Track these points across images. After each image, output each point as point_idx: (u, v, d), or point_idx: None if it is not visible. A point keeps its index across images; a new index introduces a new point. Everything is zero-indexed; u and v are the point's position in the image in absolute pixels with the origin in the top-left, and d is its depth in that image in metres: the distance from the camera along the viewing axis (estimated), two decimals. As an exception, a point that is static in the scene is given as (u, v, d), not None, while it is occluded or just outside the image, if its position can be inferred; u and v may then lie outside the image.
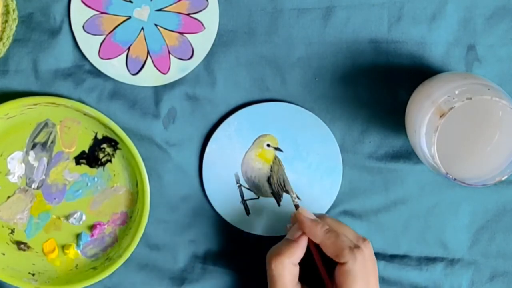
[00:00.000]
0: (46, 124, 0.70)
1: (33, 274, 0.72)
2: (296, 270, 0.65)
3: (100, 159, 0.71)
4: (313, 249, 0.66)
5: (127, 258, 0.71)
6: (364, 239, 0.66)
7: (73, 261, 0.72)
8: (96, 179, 0.71)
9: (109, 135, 0.70)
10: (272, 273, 0.64)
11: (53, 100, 0.68)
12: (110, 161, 0.71)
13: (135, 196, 0.72)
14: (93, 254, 0.72)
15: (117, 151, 0.71)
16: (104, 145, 0.71)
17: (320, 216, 0.68)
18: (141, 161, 0.69)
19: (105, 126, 0.69)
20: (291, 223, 0.69)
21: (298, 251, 0.65)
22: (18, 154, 0.71)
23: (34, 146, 0.71)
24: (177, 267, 0.73)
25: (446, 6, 0.70)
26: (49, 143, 0.71)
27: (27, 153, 0.71)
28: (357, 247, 0.63)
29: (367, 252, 0.64)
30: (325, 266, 0.66)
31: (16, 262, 0.72)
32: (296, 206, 0.68)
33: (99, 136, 0.71)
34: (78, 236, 0.72)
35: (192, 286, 0.73)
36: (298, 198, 0.71)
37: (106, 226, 0.72)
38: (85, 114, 0.69)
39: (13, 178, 0.71)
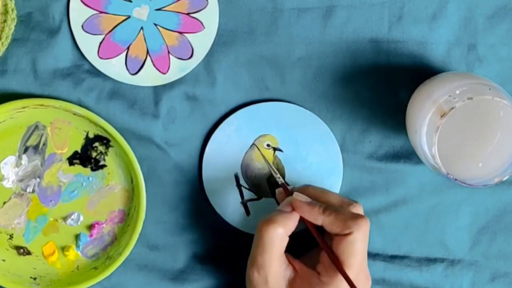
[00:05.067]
0: (36, 127, 0.70)
1: (35, 278, 0.71)
2: (286, 241, 0.64)
3: (94, 158, 0.71)
4: (306, 221, 0.65)
5: (127, 257, 0.70)
6: (351, 203, 0.66)
7: (73, 262, 0.72)
8: (91, 179, 0.71)
9: (100, 134, 0.70)
10: (262, 240, 0.63)
11: (42, 102, 0.68)
12: (103, 159, 0.71)
13: (131, 193, 0.71)
14: (93, 254, 0.72)
15: (110, 149, 0.71)
16: (96, 144, 0.71)
17: (303, 188, 0.68)
18: (134, 157, 0.69)
19: (96, 124, 0.69)
20: (278, 199, 0.68)
21: (292, 223, 0.64)
22: (11, 159, 0.71)
23: (26, 150, 0.71)
24: (177, 268, 0.73)
25: (447, 5, 0.70)
26: (41, 145, 0.71)
27: (19, 157, 0.71)
28: (360, 216, 0.63)
29: (367, 219, 0.64)
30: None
31: (17, 267, 0.71)
32: (283, 186, 0.68)
33: (91, 135, 0.71)
34: (77, 237, 0.72)
35: (192, 286, 0.72)
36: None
37: (104, 225, 0.72)
38: (74, 114, 0.69)
39: (7, 183, 0.71)
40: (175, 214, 0.72)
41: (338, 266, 0.63)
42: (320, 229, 0.65)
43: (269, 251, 0.63)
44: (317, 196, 0.66)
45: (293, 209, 0.65)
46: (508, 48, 0.71)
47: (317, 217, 0.64)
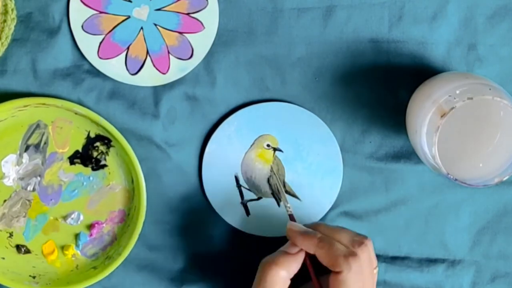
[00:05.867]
0: (38, 126, 0.70)
1: (34, 277, 0.71)
2: (288, 283, 0.63)
3: (94, 158, 0.71)
4: (306, 259, 0.65)
5: (126, 257, 0.70)
6: (362, 241, 0.63)
7: (73, 261, 0.72)
8: (91, 178, 0.71)
9: (101, 133, 0.70)
10: (265, 281, 0.62)
11: (44, 101, 0.68)
12: (104, 159, 0.71)
13: (131, 193, 0.71)
14: (93, 254, 0.72)
15: (111, 149, 0.71)
16: (98, 144, 0.71)
17: (315, 225, 0.66)
18: (135, 158, 0.69)
19: (97, 124, 0.69)
20: (288, 236, 0.66)
21: (295, 265, 0.63)
22: (12, 157, 0.71)
23: (27, 148, 0.71)
24: (177, 268, 0.73)
25: (447, 5, 0.70)
26: (42, 144, 0.71)
27: (20, 155, 0.71)
28: (352, 254, 0.61)
29: (363, 257, 0.62)
30: (318, 275, 0.65)
31: (16, 265, 0.71)
32: (290, 216, 0.67)
33: (92, 135, 0.71)
34: (76, 236, 0.72)
35: (192, 287, 0.72)
36: (290, 207, 0.70)
37: (104, 225, 0.72)
38: (76, 113, 0.69)
39: (8, 182, 0.71)
40: (175, 214, 0.72)
41: None
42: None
43: None
44: (327, 234, 0.64)
45: (299, 250, 0.64)
46: (508, 48, 0.71)
47: (310, 247, 0.63)
